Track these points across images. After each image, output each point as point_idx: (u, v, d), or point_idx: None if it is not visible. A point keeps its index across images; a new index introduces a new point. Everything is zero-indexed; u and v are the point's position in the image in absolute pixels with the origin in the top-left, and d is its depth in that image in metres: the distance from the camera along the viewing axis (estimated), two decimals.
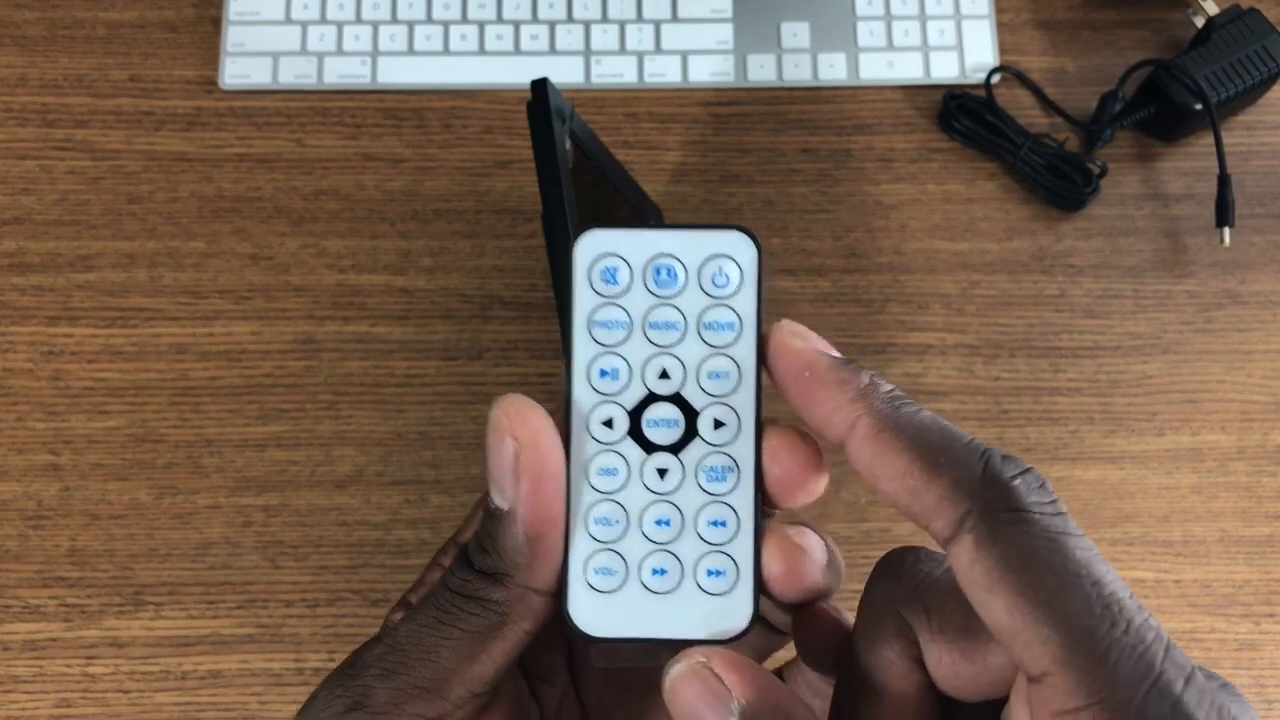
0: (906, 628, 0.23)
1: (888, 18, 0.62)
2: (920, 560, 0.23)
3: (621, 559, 0.24)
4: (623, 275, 0.24)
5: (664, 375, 0.24)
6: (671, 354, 0.24)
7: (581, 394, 0.24)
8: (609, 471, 0.24)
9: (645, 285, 0.24)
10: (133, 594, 0.53)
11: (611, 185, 0.52)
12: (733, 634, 0.24)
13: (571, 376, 0.24)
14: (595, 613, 0.24)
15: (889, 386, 0.23)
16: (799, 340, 0.23)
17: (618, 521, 0.24)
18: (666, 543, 0.24)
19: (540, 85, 0.41)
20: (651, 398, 0.24)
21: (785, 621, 0.26)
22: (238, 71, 0.61)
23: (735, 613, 0.24)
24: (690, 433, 0.24)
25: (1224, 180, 0.58)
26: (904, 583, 0.23)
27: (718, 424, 0.24)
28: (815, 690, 0.25)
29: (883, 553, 0.25)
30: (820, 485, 0.24)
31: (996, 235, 0.59)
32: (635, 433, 0.24)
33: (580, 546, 0.24)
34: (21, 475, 0.55)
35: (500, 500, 0.23)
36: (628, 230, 0.24)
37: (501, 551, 0.23)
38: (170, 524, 0.54)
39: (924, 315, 0.58)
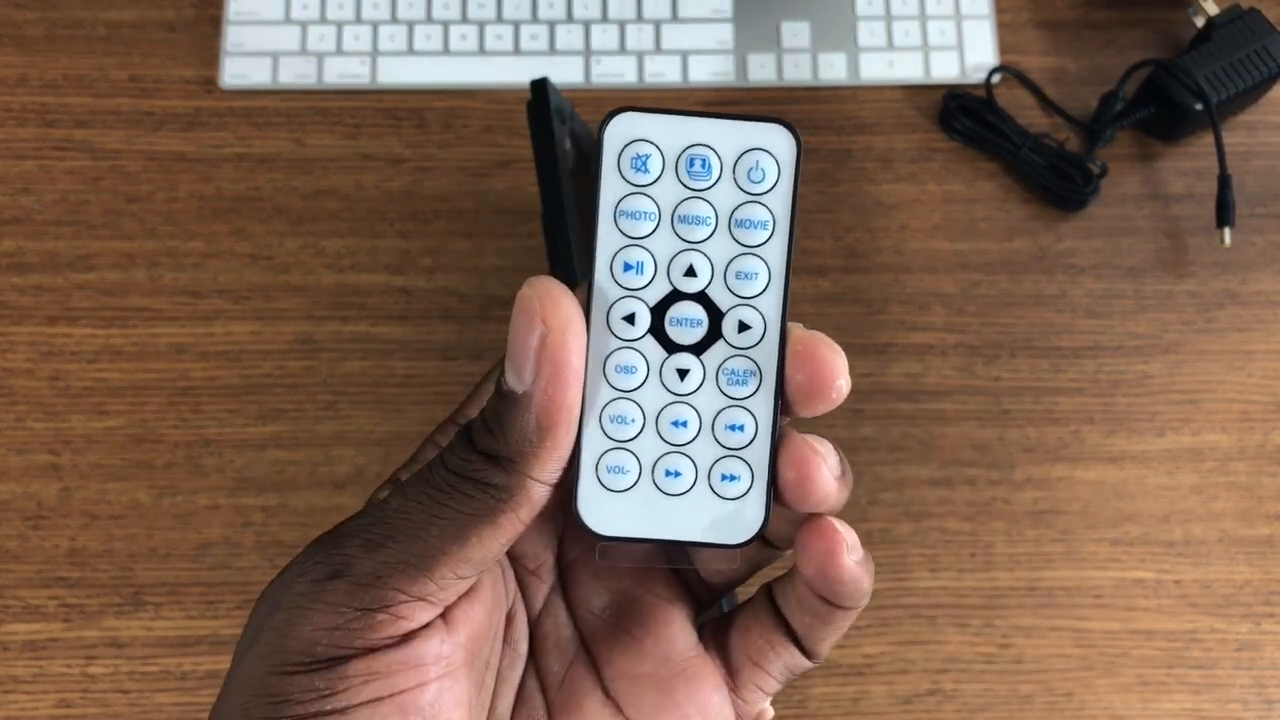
0: None
1: (888, 18, 0.62)
2: None
3: (635, 458, 0.24)
4: (654, 163, 0.23)
5: (690, 272, 0.23)
6: (700, 250, 0.23)
7: (604, 286, 0.23)
8: (627, 369, 0.23)
9: (677, 175, 0.23)
10: (132, 594, 0.53)
11: None
12: (743, 540, 0.24)
13: (594, 267, 0.23)
14: (605, 511, 0.24)
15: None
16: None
17: (634, 420, 0.24)
18: (682, 444, 0.24)
19: (540, 85, 0.41)
20: (676, 295, 0.23)
21: (781, 536, 0.26)
22: (237, 71, 0.61)
23: (747, 518, 0.24)
24: (714, 334, 0.23)
25: (1224, 180, 0.58)
26: None
27: (742, 326, 0.23)
28: (807, 607, 0.25)
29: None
30: (841, 394, 0.23)
31: (997, 235, 0.59)
32: (657, 330, 0.24)
33: (593, 443, 0.24)
34: (21, 475, 0.55)
35: (515, 383, 0.22)
36: (663, 114, 0.23)
37: (509, 435, 0.22)
38: (170, 524, 0.54)
39: (924, 315, 0.58)
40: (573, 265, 0.39)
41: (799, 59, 0.61)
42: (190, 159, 0.60)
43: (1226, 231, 0.57)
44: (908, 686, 0.53)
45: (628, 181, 0.23)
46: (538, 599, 0.27)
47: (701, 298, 0.23)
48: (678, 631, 0.26)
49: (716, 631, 0.26)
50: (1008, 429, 0.56)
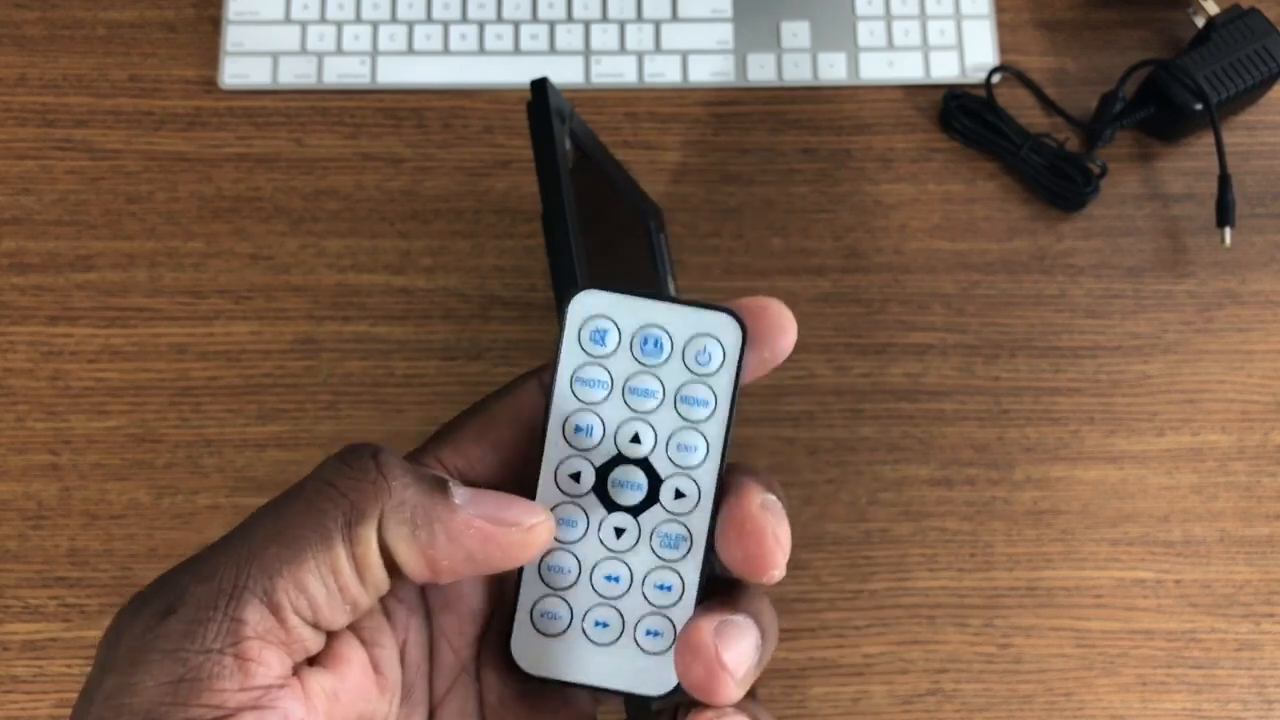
0: None
1: (888, 17, 0.62)
2: None
3: (568, 606, 0.25)
4: (611, 338, 0.25)
5: (635, 439, 0.25)
6: (646, 420, 0.25)
7: (554, 444, 0.25)
8: (569, 522, 0.25)
9: (631, 351, 0.25)
10: (132, 594, 0.53)
11: (611, 185, 0.52)
12: (660, 693, 0.25)
13: (547, 426, 0.25)
14: (535, 652, 0.25)
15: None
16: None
17: (570, 570, 0.25)
18: (613, 598, 0.25)
19: (540, 85, 0.41)
20: (620, 459, 0.25)
21: None
22: (237, 71, 0.61)
23: (665, 672, 0.25)
24: (651, 497, 0.25)
25: (1224, 180, 0.58)
26: None
27: (679, 494, 0.25)
28: None
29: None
30: (773, 580, 0.24)
31: (996, 235, 0.59)
32: (600, 489, 0.25)
33: (531, 588, 0.25)
34: (21, 475, 0.55)
35: (462, 502, 0.23)
36: (623, 295, 0.25)
37: (414, 520, 0.22)
38: (170, 524, 0.54)
39: (924, 315, 0.58)
40: (573, 266, 0.39)
41: (799, 59, 0.61)
42: (190, 159, 0.60)
43: (1226, 231, 0.57)
44: (907, 686, 0.53)
45: (586, 352, 0.25)
46: (443, 682, 0.26)
47: (644, 464, 0.25)
48: None
49: None
50: (1007, 429, 0.56)
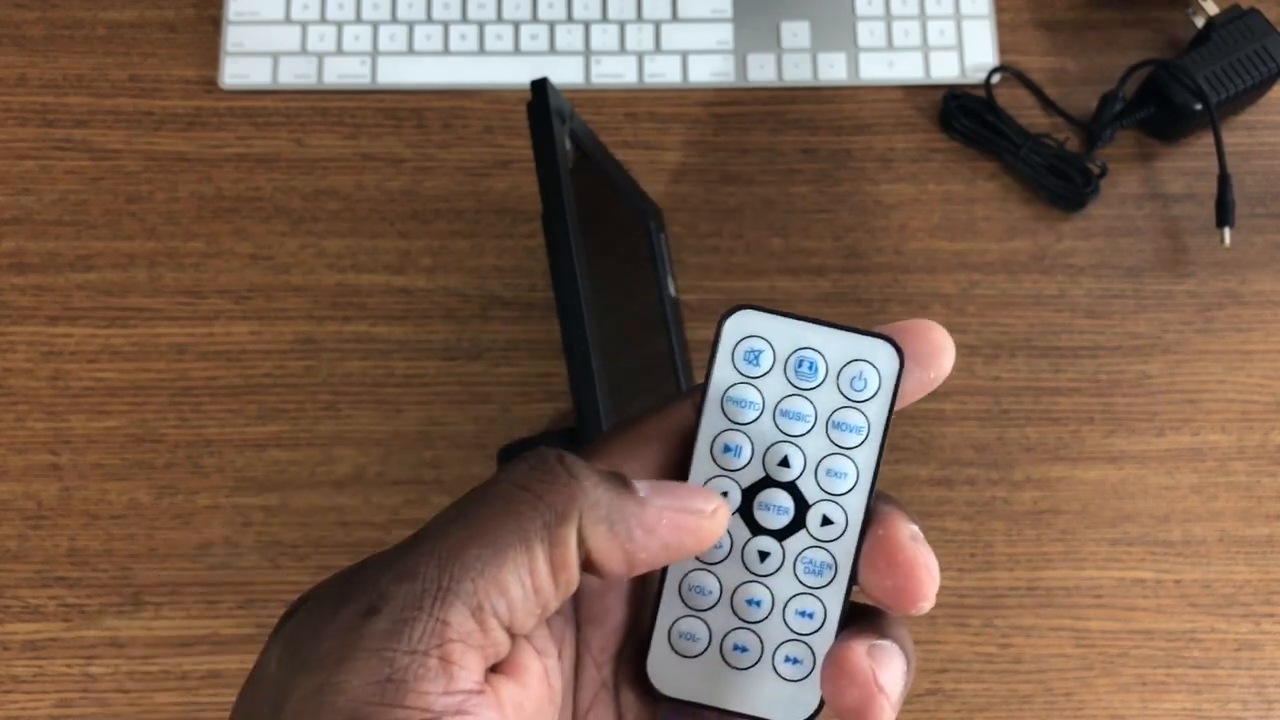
0: None
1: (888, 18, 0.62)
2: None
3: (707, 628, 0.25)
4: (765, 359, 0.25)
5: (784, 463, 0.25)
6: (796, 444, 0.25)
7: (702, 462, 0.25)
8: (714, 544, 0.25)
9: (785, 373, 0.25)
10: (132, 594, 0.53)
11: (611, 185, 0.52)
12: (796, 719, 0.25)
13: (695, 444, 0.25)
14: (671, 673, 0.25)
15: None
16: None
17: (711, 592, 0.25)
18: (753, 622, 0.25)
19: (540, 85, 0.41)
20: (767, 481, 0.25)
21: None
22: (237, 71, 0.61)
23: (803, 700, 0.25)
24: (798, 523, 0.25)
25: (1224, 180, 0.58)
26: None
27: (825, 520, 0.25)
28: None
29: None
30: (922, 611, 0.23)
31: (996, 235, 0.59)
32: (745, 511, 0.25)
33: (671, 608, 0.25)
34: (21, 475, 0.55)
35: (646, 495, 0.23)
36: (779, 316, 0.25)
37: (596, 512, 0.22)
38: (170, 524, 0.54)
39: (924, 315, 0.58)
40: (573, 266, 0.39)
41: (799, 59, 0.61)
42: (190, 159, 0.60)
43: (1226, 231, 0.57)
44: None
45: (739, 371, 0.25)
46: (586, 697, 0.26)
47: (791, 488, 0.25)
48: None
49: None
50: (1007, 429, 0.56)
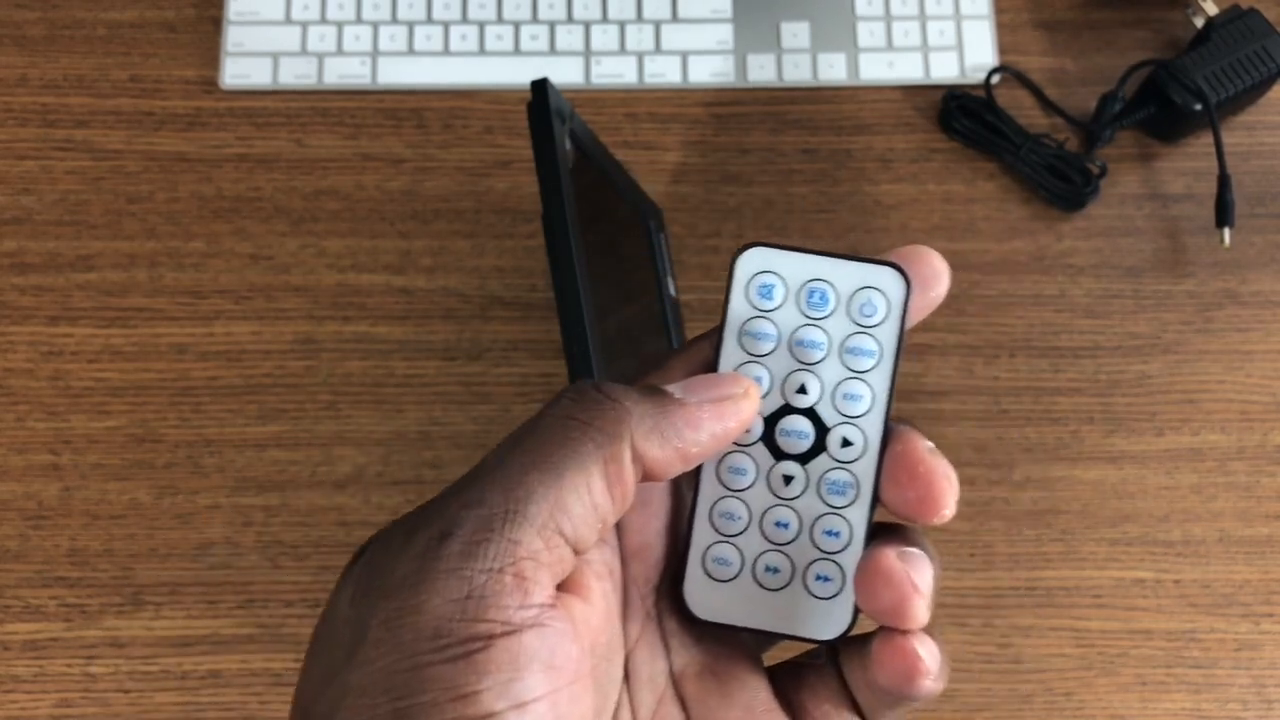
0: None
1: (888, 18, 0.62)
2: None
3: (739, 552, 0.26)
4: (778, 292, 0.26)
5: (802, 390, 0.26)
6: (812, 371, 0.26)
7: None
8: (739, 471, 0.26)
9: (797, 305, 0.26)
10: (133, 594, 0.54)
11: (611, 185, 0.52)
12: (831, 637, 0.26)
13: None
14: (707, 597, 0.26)
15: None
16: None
17: (740, 517, 0.26)
18: (782, 544, 0.26)
19: (540, 86, 0.41)
20: (787, 409, 0.26)
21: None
22: (238, 71, 0.61)
23: (835, 617, 0.26)
24: (818, 446, 0.26)
25: (1224, 180, 0.58)
26: None
27: (845, 442, 0.26)
28: (876, 692, 0.25)
29: None
30: (944, 519, 0.24)
31: (996, 235, 0.59)
32: (768, 439, 0.26)
33: (702, 535, 0.26)
34: (21, 475, 0.55)
35: (681, 395, 0.24)
36: (789, 251, 0.26)
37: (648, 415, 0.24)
38: (170, 524, 0.54)
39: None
40: (573, 266, 0.39)
41: (799, 59, 0.62)
42: (191, 159, 0.60)
43: (1226, 231, 0.57)
44: None
45: (753, 306, 0.26)
46: (634, 627, 0.27)
47: (810, 413, 0.26)
48: (759, 684, 0.27)
49: (785, 688, 0.27)
50: (1007, 429, 0.56)
